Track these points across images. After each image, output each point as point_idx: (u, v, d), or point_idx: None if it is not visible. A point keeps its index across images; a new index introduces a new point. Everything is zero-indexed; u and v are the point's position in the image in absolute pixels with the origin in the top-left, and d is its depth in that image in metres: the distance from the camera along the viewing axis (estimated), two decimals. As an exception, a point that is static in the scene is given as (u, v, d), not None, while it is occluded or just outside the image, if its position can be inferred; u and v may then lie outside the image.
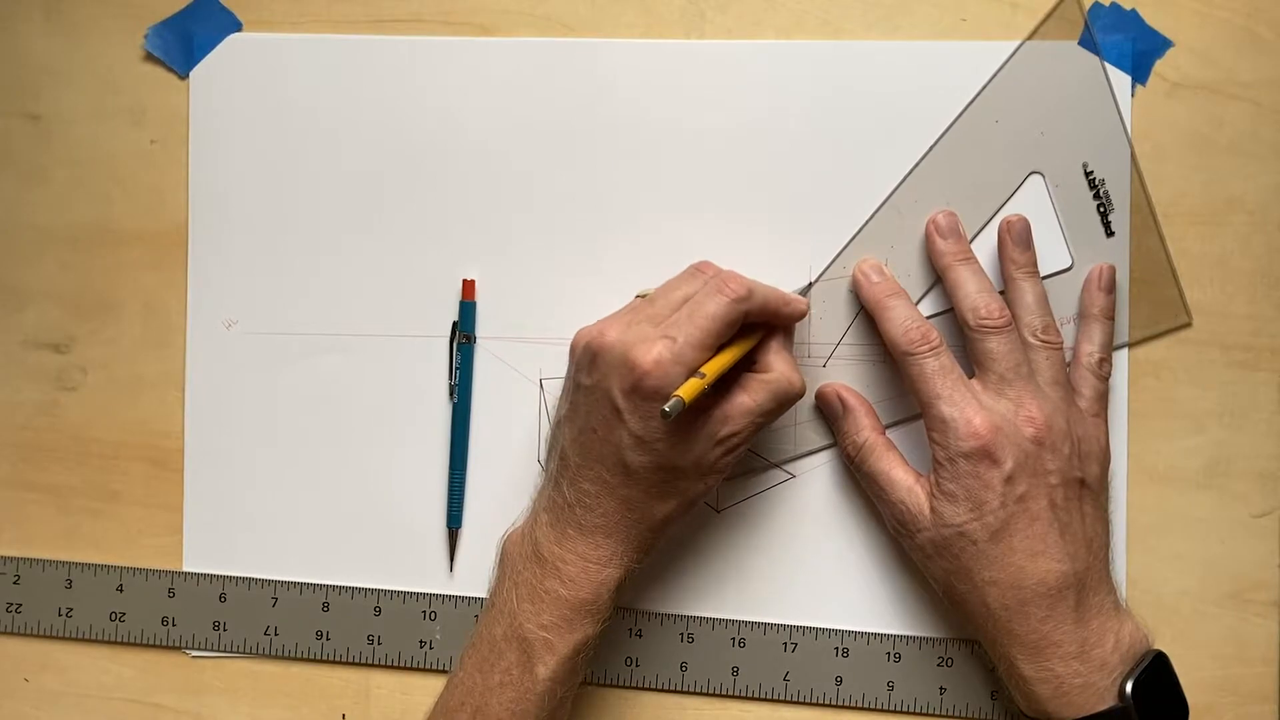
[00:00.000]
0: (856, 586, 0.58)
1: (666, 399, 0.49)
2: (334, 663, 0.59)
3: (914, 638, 0.58)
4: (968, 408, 0.52)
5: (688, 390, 0.48)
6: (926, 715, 0.58)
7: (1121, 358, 0.58)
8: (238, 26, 0.59)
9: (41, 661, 0.60)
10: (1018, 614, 0.52)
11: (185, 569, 0.59)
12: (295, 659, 0.59)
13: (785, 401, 0.53)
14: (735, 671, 0.58)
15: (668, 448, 0.51)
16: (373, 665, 0.59)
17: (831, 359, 0.58)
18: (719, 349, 0.51)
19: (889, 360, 0.57)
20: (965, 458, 0.52)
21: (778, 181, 0.58)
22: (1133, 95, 0.58)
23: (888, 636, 0.58)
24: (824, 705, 0.58)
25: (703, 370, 0.50)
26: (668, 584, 0.58)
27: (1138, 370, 0.58)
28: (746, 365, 0.54)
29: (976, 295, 0.54)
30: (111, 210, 0.60)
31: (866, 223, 0.58)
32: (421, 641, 0.59)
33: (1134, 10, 0.58)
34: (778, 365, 0.53)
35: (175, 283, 0.60)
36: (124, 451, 0.60)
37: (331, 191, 0.59)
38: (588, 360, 0.52)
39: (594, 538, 0.52)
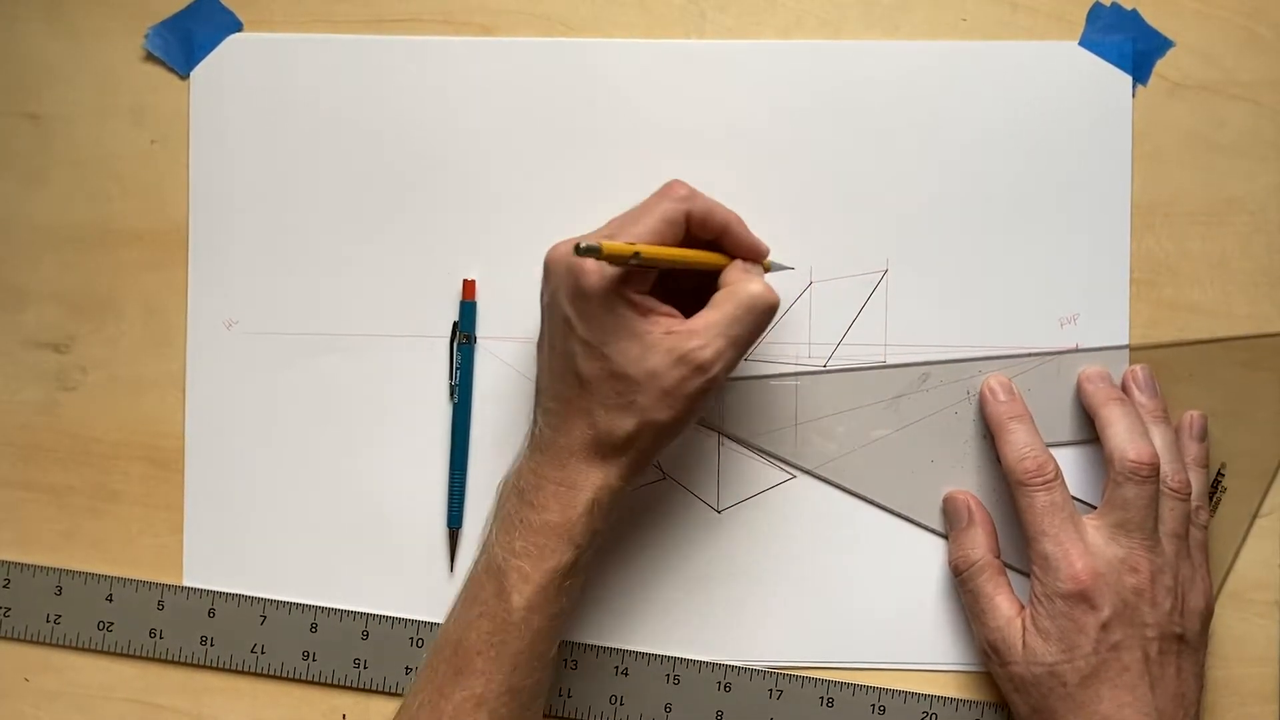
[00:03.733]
0: (856, 596, 0.58)
1: (607, 295, 0.49)
2: (320, 684, 0.59)
3: (899, 692, 0.58)
4: (1072, 549, 0.52)
5: (607, 244, 0.47)
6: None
7: (1122, 357, 0.58)
8: (238, 26, 0.59)
9: (41, 661, 0.60)
10: None
11: (185, 569, 0.59)
12: (280, 678, 0.59)
13: (755, 310, 0.51)
14: (719, 717, 0.58)
15: (616, 353, 0.50)
16: (357, 689, 0.59)
17: (832, 359, 0.58)
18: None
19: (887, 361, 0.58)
20: (1063, 598, 0.52)
21: (777, 181, 0.58)
22: (1133, 95, 0.58)
23: (873, 689, 0.58)
24: None
25: (639, 250, 0.49)
26: (667, 583, 0.58)
27: (1138, 370, 0.58)
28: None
29: (1127, 437, 0.54)
30: (111, 210, 0.60)
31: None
32: (408, 668, 0.58)
33: (1134, 10, 0.58)
34: (739, 278, 0.52)
35: (175, 283, 0.60)
36: (124, 451, 0.60)
37: (332, 191, 0.59)
38: (543, 278, 0.52)
39: (560, 458, 0.51)
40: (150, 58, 0.59)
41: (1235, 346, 0.58)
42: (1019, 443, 0.55)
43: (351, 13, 0.59)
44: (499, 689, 0.50)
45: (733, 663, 0.58)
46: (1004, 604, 0.55)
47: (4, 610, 0.59)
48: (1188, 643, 0.53)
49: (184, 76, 0.59)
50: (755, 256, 0.54)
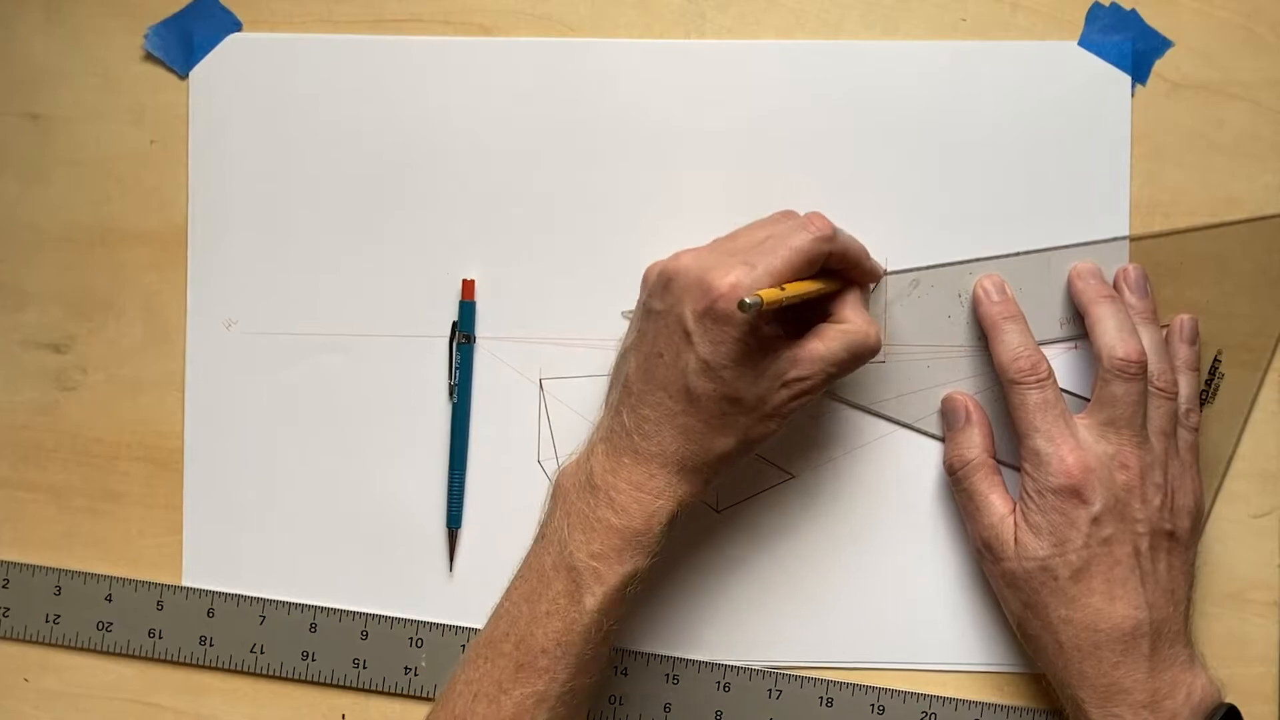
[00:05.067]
0: (855, 596, 0.58)
1: (741, 323, 0.49)
2: (319, 684, 0.59)
3: (898, 692, 0.58)
4: (1063, 444, 0.53)
5: (767, 294, 0.48)
6: None
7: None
8: (238, 26, 0.59)
9: (41, 661, 0.60)
10: (1090, 656, 0.52)
11: (185, 569, 0.59)
12: (279, 678, 0.59)
13: (859, 353, 0.52)
14: (718, 716, 0.58)
15: (734, 376, 0.50)
16: (356, 689, 0.59)
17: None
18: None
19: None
20: (1054, 493, 0.52)
21: (778, 181, 0.58)
22: (1133, 95, 0.58)
23: (872, 689, 0.58)
24: None
25: (784, 287, 0.49)
26: (667, 583, 0.58)
27: (1138, 370, 0.58)
28: (822, 317, 0.53)
29: (1116, 335, 0.54)
30: (111, 210, 0.60)
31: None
32: (407, 668, 0.58)
33: (1134, 10, 0.58)
34: (854, 317, 0.53)
35: (175, 283, 0.60)
36: (124, 451, 0.60)
37: (331, 191, 0.59)
38: (661, 285, 0.51)
39: (649, 466, 0.51)
40: (150, 58, 0.59)
41: (1238, 230, 0.57)
42: (1013, 342, 0.55)
43: (351, 13, 0.59)
44: (561, 689, 0.50)
45: (732, 663, 0.58)
46: (997, 502, 0.55)
47: (4, 610, 0.60)
48: (1178, 540, 0.53)
49: (183, 76, 0.59)
50: (874, 280, 0.55)
